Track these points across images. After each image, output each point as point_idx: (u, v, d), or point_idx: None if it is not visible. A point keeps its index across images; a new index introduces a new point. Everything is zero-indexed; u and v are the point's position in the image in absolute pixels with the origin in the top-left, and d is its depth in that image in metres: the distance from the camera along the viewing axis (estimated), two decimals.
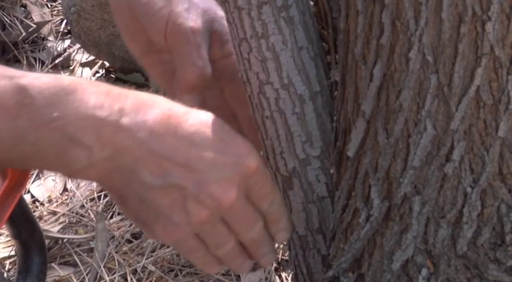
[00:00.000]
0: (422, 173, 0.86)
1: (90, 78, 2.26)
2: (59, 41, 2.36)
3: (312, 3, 1.00)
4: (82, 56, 2.26)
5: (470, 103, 0.82)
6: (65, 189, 1.63)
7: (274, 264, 1.23)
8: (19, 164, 0.86)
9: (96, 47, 1.98)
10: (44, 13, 2.43)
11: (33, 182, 1.66)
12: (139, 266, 1.24)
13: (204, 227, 0.88)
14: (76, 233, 1.41)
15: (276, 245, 1.01)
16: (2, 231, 1.40)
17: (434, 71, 0.81)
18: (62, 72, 2.33)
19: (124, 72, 2.37)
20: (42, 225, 1.44)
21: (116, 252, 1.30)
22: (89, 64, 2.45)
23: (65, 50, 2.33)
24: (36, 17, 2.42)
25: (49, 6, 2.43)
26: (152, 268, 1.22)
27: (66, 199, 1.57)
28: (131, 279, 1.23)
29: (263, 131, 0.97)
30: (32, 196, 1.62)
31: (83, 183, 1.62)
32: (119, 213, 1.42)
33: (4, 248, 1.41)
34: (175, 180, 0.85)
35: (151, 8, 1.09)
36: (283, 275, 1.24)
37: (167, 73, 1.10)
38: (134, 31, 1.12)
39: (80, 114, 0.81)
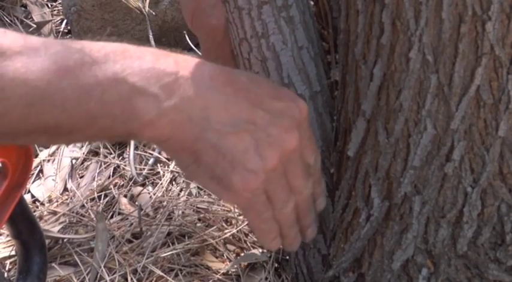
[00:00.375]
0: (423, 173, 0.86)
1: None
2: None
3: (312, 3, 1.00)
4: None
5: (470, 103, 0.82)
6: (65, 189, 1.63)
7: (275, 264, 1.23)
8: (87, 128, 0.85)
9: None
10: (44, 13, 2.43)
11: (33, 181, 1.66)
12: (140, 266, 1.23)
13: (274, 176, 0.88)
14: (76, 232, 1.41)
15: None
16: (2, 231, 1.40)
17: (435, 71, 0.81)
18: None
19: None
20: (42, 225, 1.44)
21: (116, 252, 1.30)
22: None
23: None
24: (37, 17, 2.42)
25: (49, 6, 2.43)
26: (152, 268, 1.22)
27: (67, 199, 1.57)
28: (131, 279, 1.22)
29: None
30: (32, 196, 1.62)
31: (83, 183, 1.62)
32: (119, 213, 1.42)
33: (4, 247, 1.41)
34: (244, 126, 0.86)
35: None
36: (283, 274, 1.24)
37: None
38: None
39: (140, 66, 0.82)
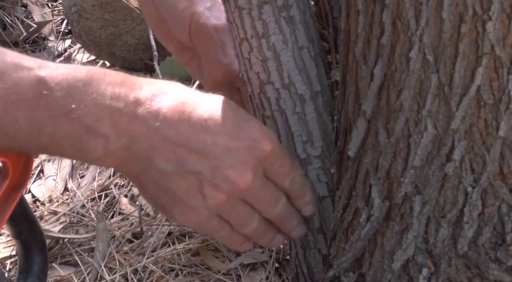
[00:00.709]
0: (423, 173, 0.86)
1: None
2: (59, 41, 2.36)
3: (312, 2, 1.00)
4: (83, 56, 2.26)
5: (470, 103, 0.82)
6: (66, 189, 1.63)
7: (275, 264, 1.23)
8: (37, 152, 0.88)
9: (97, 47, 1.98)
10: (45, 13, 2.43)
11: (33, 181, 1.66)
12: (140, 266, 1.23)
13: (224, 209, 0.90)
14: (77, 232, 1.41)
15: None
16: (2, 231, 1.40)
17: (435, 71, 0.81)
18: None
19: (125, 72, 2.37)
20: (43, 225, 1.44)
21: (117, 252, 1.30)
22: (90, 64, 2.45)
23: (65, 50, 2.33)
24: (37, 17, 2.42)
25: (50, 6, 2.43)
26: (153, 268, 1.22)
27: (67, 199, 1.57)
28: (132, 278, 1.22)
29: None
30: (33, 196, 1.62)
31: (83, 183, 1.62)
32: (119, 213, 1.42)
33: (5, 247, 1.41)
34: (190, 166, 0.87)
35: (175, 10, 1.10)
36: (284, 274, 1.24)
37: (202, 68, 1.12)
38: (165, 31, 1.14)
39: (96, 105, 0.83)
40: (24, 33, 2.37)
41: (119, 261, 1.28)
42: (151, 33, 1.59)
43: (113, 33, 1.75)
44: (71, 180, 1.65)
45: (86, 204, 1.47)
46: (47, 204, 1.56)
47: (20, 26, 2.37)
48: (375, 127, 0.87)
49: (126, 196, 1.52)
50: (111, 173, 1.61)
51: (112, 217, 1.40)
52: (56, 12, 2.42)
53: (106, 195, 1.54)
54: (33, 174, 1.67)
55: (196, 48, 1.11)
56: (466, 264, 0.88)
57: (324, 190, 0.98)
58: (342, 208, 0.94)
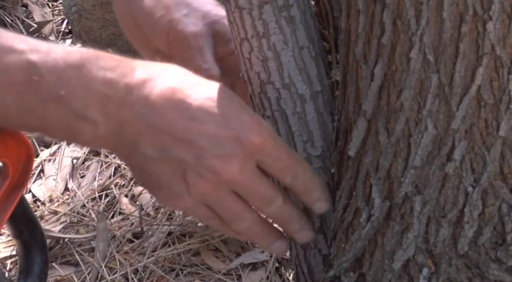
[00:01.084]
0: (423, 173, 0.86)
1: None
2: (60, 40, 2.36)
3: (312, 2, 1.00)
4: None
5: (471, 102, 0.82)
6: (66, 189, 1.63)
7: (276, 264, 1.23)
8: (27, 131, 0.89)
9: (97, 47, 1.98)
10: (45, 13, 2.43)
11: (34, 181, 1.66)
12: (141, 266, 1.24)
13: (210, 198, 0.89)
14: (77, 232, 1.41)
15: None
16: (3, 230, 1.40)
17: (435, 71, 0.81)
18: None
19: None
20: (43, 224, 1.44)
21: (117, 252, 1.30)
22: None
23: None
24: (37, 17, 2.42)
25: (50, 6, 2.43)
26: (153, 268, 1.22)
27: (67, 199, 1.57)
28: (132, 278, 1.23)
29: None
30: (33, 196, 1.62)
31: (84, 182, 1.62)
32: (120, 213, 1.42)
33: (5, 247, 1.41)
34: (174, 153, 0.87)
35: (152, 18, 1.09)
36: (284, 274, 1.24)
37: None
38: (142, 40, 1.13)
39: (86, 91, 0.83)
40: (25, 33, 2.37)
41: (119, 261, 1.28)
42: None
43: (113, 33, 1.75)
44: (71, 180, 1.65)
45: (86, 204, 1.47)
46: (48, 204, 1.56)
47: (21, 26, 2.37)
48: (375, 127, 0.87)
49: (126, 196, 1.52)
50: (112, 173, 1.61)
51: (112, 217, 1.40)
52: (56, 12, 2.43)
53: (106, 195, 1.54)
54: (34, 174, 1.67)
55: (174, 55, 1.10)
56: (467, 264, 0.88)
57: None
58: (343, 208, 0.94)
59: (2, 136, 0.86)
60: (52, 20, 2.40)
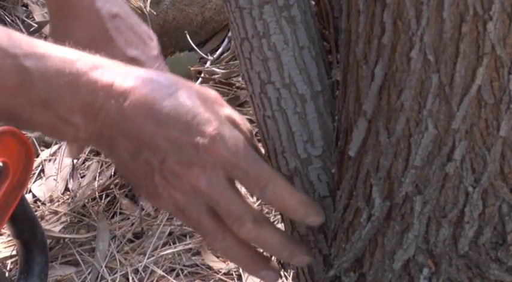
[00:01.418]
0: (424, 173, 0.86)
1: None
2: None
3: (313, 2, 1.00)
4: None
5: (471, 102, 0.82)
6: (67, 189, 1.63)
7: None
8: (16, 127, 0.95)
9: None
10: (46, 13, 2.43)
11: (34, 181, 1.66)
12: (141, 266, 1.24)
13: (180, 204, 0.90)
14: (77, 232, 1.41)
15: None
16: (3, 230, 1.40)
17: (436, 71, 0.81)
18: None
19: None
20: (43, 224, 1.44)
21: (118, 252, 1.30)
22: None
23: None
24: (38, 17, 2.42)
25: None
26: (154, 267, 1.22)
27: (68, 199, 1.57)
28: (133, 278, 1.23)
29: (264, 131, 0.97)
30: (34, 195, 1.62)
31: (84, 182, 1.62)
32: (120, 213, 1.42)
33: (5, 247, 1.41)
34: (142, 157, 0.90)
35: None
36: (285, 274, 1.24)
37: None
38: None
39: (72, 98, 0.88)
40: (25, 33, 2.37)
41: (119, 261, 1.28)
42: (148, 23, 1.58)
43: None
44: (71, 180, 1.65)
45: (86, 204, 1.47)
46: (48, 204, 1.56)
47: (21, 26, 2.37)
48: (376, 127, 0.87)
49: (126, 196, 1.52)
50: (112, 173, 1.61)
51: (113, 217, 1.40)
52: None
53: (107, 195, 1.54)
54: (34, 174, 1.67)
55: None
56: (467, 264, 0.88)
57: (325, 190, 0.98)
58: (343, 208, 0.94)
59: (2, 136, 0.86)
60: None
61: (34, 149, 0.97)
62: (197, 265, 1.28)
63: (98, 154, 1.69)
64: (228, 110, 0.92)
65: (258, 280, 0.96)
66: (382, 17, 0.82)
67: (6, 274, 1.34)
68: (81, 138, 0.91)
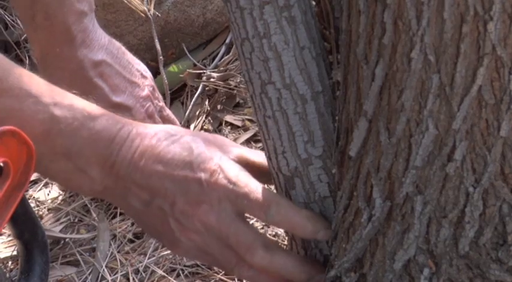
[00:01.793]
0: (424, 173, 0.86)
1: None
2: None
3: (313, 3, 1.00)
4: None
5: (472, 103, 0.82)
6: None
7: None
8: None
9: None
10: None
11: (35, 181, 1.66)
12: (142, 266, 1.24)
13: (198, 244, 0.94)
14: (78, 232, 1.41)
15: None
16: (4, 231, 1.40)
17: (436, 71, 0.81)
18: None
19: None
20: (44, 224, 1.44)
21: (118, 252, 1.30)
22: None
23: None
24: None
25: None
26: (154, 268, 1.22)
27: (68, 198, 1.57)
28: (133, 278, 1.23)
29: (265, 131, 0.97)
30: (34, 196, 1.62)
31: None
32: (120, 213, 1.42)
33: (6, 247, 1.41)
34: (156, 204, 0.94)
35: None
36: None
37: None
38: None
39: (91, 152, 0.93)
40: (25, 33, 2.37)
41: (120, 261, 1.28)
42: (155, 37, 1.59)
43: (114, 33, 1.75)
44: None
45: (87, 204, 1.47)
46: (48, 204, 1.56)
47: (21, 26, 2.37)
48: (376, 127, 0.87)
49: None
50: None
51: (113, 217, 1.40)
52: None
53: None
54: (35, 173, 1.67)
55: None
56: (467, 265, 0.88)
57: (325, 190, 0.98)
58: (343, 208, 0.94)
59: (3, 136, 0.86)
60: None
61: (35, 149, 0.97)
62: (198, 265, 1.28)
63: None
64: (238, 150, 0.97)
65: None
66: (383, 17, 0.82)
67: (7, 275, 1.34)
68: (96, 190, 0.95)
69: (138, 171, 0.94)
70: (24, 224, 0.96)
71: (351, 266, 0.94)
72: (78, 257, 1.33)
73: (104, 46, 1.29)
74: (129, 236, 1.34)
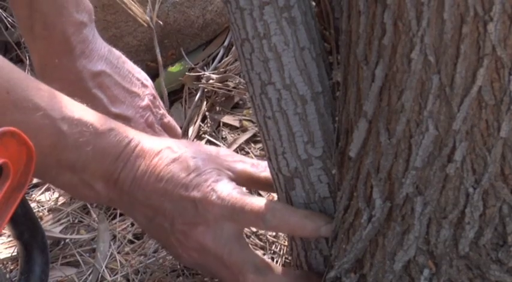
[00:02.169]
0: (424, 174, 0.86)
1: None
2: None
3: (313, 3, 1.00)
4: None
5: (472, 103, 0.82)
6: None
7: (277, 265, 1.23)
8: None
9: None
10: None
11: (35, 182, 1.66)
12: (142, 267, 1.23)
13: (199, 262, 0.97)
14: (78, 233, 1.41)
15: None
16: (4, 231, 1.40)
17: (436, 72, 0.81)
18: None
19: None
20: (44, 225, 1.44)
21: (118, 253, 1.30)
22: None
23: None
24: None
25: None
26: (154, 268, 1.22)
27: (68, 199, 1.57)
28: (133, 279, 1.22)
29: (265, 132, 0.97)
30: (34, 196, 1.62)
31: None
32: (120, 214, 1.42)
33: (6, 248, 1.41)
34: (157, 221, 0.97)
35: None
36: None
37: None
38: None
39: (97, 166, 0.96)
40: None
41: (120, 262, 1.28)
42: (155, 40, 1.59)
43: (114, 34, 1.75)
44: None
45: (87, 205, 1.47)
46: (48, 205, 1.56)
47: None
48: (376, 128, 0.87)
49: None
50: None
51: (113, 218, 1.39)
52: None
53: None
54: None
55: None
56: (467, 265, 0.88)
57: (325, 191, 0.98)
58: (343, 209, 0.94)
59: (2, 137, 0.86)
60: None
61: (34, 149, 0.97)
62: None
63: None
64: (241, 166, 1.00)
65: None
66: (383, 18, 0.82)
67: (7, 275, 1.34)
68: (102, 201, 1.00)
69: (140, 189, 0.96)
70: (24, 224, 0.96)
71: (351, 267, 0.94)
72: (78, 257, 1.33)
73: (103, 56, 1.28)
74: (129, 236, 1.33)
